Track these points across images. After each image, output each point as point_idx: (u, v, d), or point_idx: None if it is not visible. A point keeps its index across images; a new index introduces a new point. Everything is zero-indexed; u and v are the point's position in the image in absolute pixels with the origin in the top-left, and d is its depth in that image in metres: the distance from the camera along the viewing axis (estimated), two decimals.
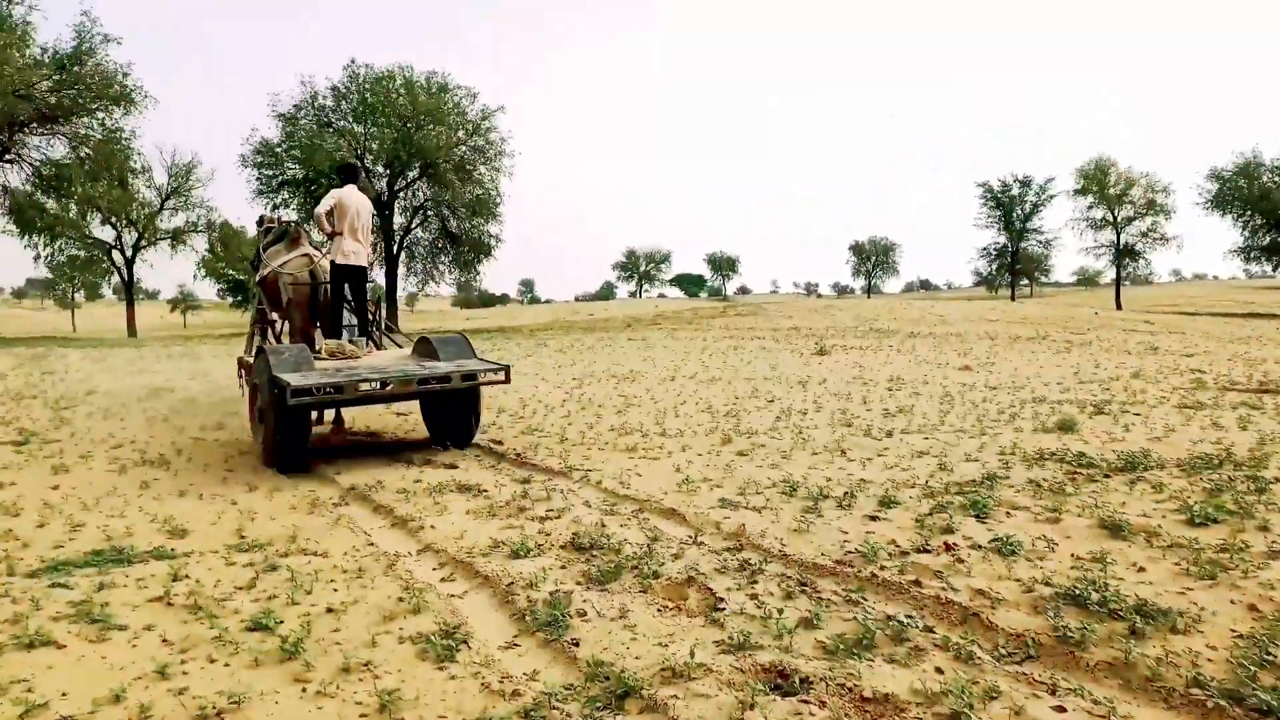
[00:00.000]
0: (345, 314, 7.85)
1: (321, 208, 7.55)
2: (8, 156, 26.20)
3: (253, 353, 8.08)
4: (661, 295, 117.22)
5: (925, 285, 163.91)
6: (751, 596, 3.27)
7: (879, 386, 10.29)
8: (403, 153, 32.62)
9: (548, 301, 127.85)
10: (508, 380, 7.00)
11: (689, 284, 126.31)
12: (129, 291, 39.26)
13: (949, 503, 4.49)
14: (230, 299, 48.15)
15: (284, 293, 7.92)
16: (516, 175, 47.33)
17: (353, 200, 7.54)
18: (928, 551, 3.71)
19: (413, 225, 36.75)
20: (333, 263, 7.60)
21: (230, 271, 45.59)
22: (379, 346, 8.03)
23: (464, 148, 34.51)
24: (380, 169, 34.91)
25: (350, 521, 4.76)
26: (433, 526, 4.49)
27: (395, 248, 36.09)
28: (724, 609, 3.15)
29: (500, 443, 7.12)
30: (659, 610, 3.17)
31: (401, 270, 37.09)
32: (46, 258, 30.80)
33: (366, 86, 33.55)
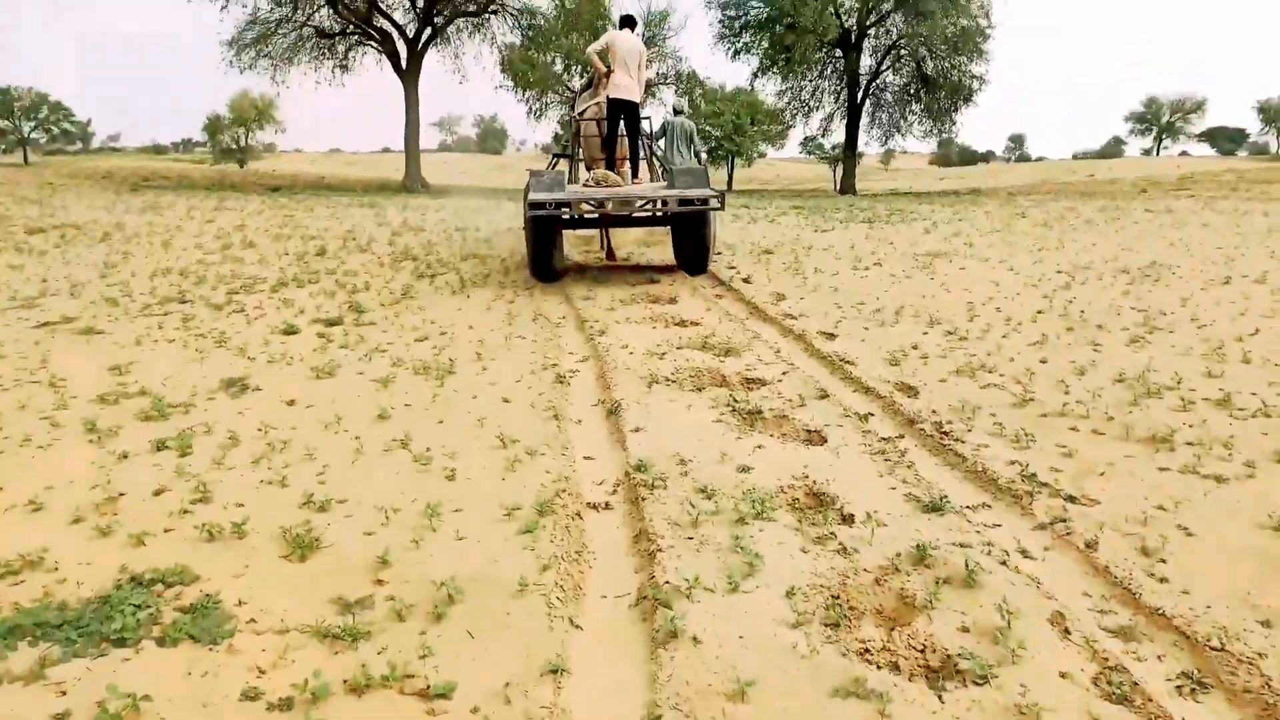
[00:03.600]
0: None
1: (594, 47, 8.71)
2: (492, 7, 28.71)
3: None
4: (1184, 153, 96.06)
5: None
6: None
7: None
8: None
9: (1039, 159, 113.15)
10: (721, 207, 7.91)
11: (1224, 140, 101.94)
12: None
13: None
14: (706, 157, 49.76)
15: (582, 129, 9.28)
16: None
17: (624, 41, 8.55)
18: None
19: (882, 68, 33.36)
20: (607, 97, 8.58)
21: (706, 128, 46.64)
22: (653, 177, 9.22)
23: None
24: (850, 2, 31.88)
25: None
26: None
27: (860, 94, 33.25)
28: None
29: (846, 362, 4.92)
30: None
31: (864, 122, 34.26)
32: (535, 112, 34.16)
33: None
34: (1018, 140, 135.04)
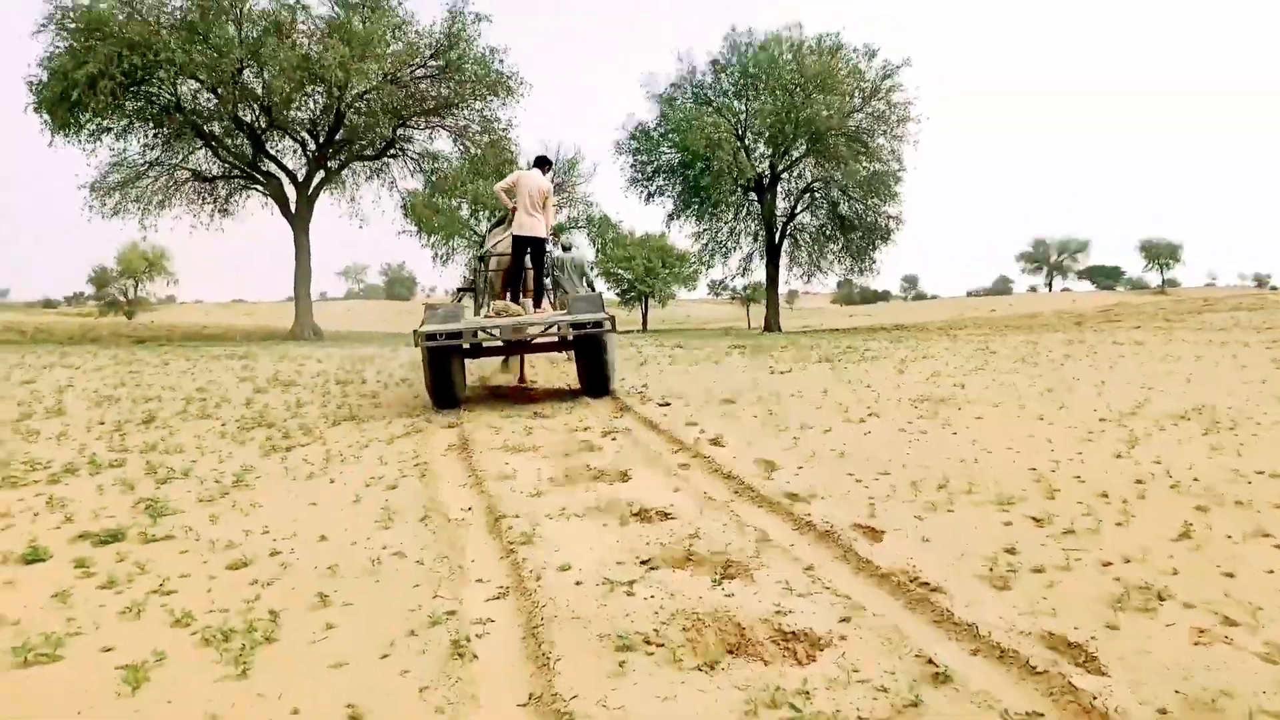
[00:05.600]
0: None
1: (501, 184, 9.40)
2: (391, 151, 27.44)
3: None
4: (1066, 290, 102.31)
5: None
6: None
7: None
8: (787, 127, 29.37)
9: (933, 297, 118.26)
10: (613, 329, 8.22)
11: (1102, 276, 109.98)
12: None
13: None
14: (619, 299, 48.87)
15: (489, 263, 9.88)
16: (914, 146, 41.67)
17: (529, 180, 9.02)
18: None
19: (797, 210, 33.42)
20: (513, 235, 9.07)
21: (619, 271, 46.07)
22: (554, 308, 9.32)
23: (860, 115, 30.27)
24: (761, 148, 32.07)
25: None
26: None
27: (777, 236, 33.04)
28: None
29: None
30: None
31: (784, 261, 33.96)
32: (442, 257, 32.66)
33: (748, 56, 30.89)
34: (911, 280, 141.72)
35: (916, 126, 32.70)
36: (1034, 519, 4.25)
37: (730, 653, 2.81)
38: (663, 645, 2.84)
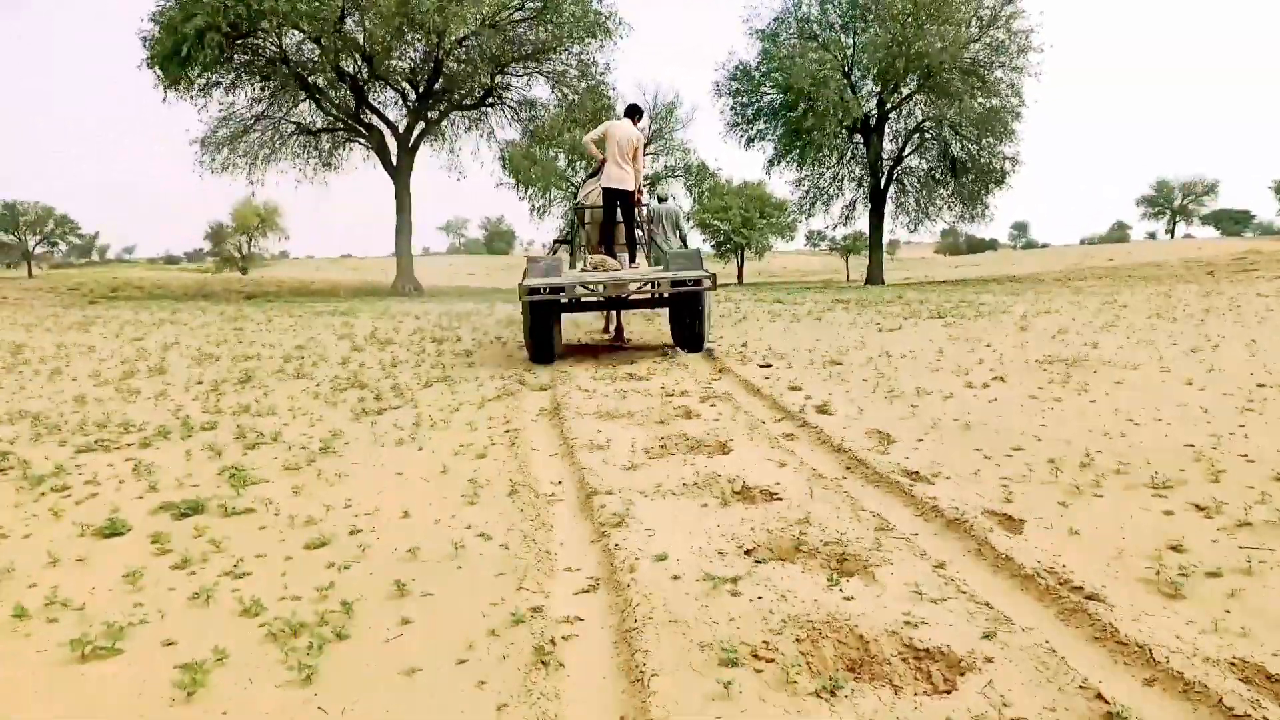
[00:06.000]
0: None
1: (590, 135, 9.27)
2: (489, 100, 27.26)
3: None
4: (1189, 236, 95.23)
5: None
6: None
7: None
8: (898, 61, 27.78)
9: (1044, 246, 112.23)
10: (714, 287, 8.26)
11: (1229, 222, 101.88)
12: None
13: None
14: (715, 251, 47.95)
15: (584, 215, 9.81)
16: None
17: (619, 130, 8.90)
18: None
19: (905, 153, 31.81)
20: (602, 187, 8.99)
21: (715, 221, 45.15)
22: (648, 262, 9.42)
23: (976, 45, 28.36)
24: (870, 86, 30.54)
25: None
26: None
27: (883, 181, 31.59)
28: None
29: None
30: None
31: (890, 208, 32.50)
32: (539, 210, 32.56)
33: None
34: (1021, 228, 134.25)
35: (1039, 56, 30.57)
36: (1198, 507, 3.68)
37: (852, 672, 2.43)
38: (773, 661, 2.48)
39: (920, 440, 4.92)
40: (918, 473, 4.29)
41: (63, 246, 77.21)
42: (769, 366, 7.62)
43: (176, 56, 21.24)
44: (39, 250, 71.23)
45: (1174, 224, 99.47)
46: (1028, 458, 4.49)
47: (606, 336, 10.66)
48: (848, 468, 4.53)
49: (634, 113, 9.31)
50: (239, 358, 9.06)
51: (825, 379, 6.84)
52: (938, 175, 32.01)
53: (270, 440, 5.35)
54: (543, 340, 8.28)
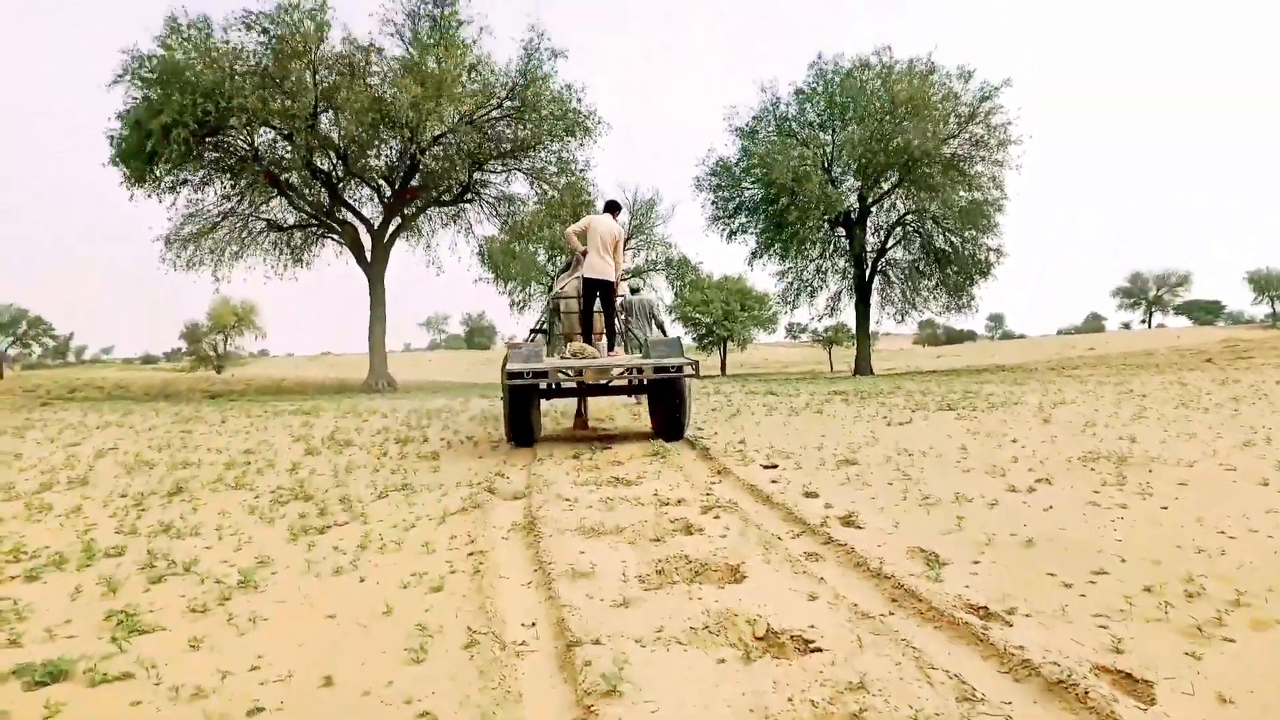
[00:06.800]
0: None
1: (572, 227, 9.37)
2: (467, 196, 26.95)
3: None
4: (1162, 326, 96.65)
5: None
6: None
7: None
8: (878, 156, 27.94)
9: (1021, 336, 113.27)
10: (696, 374, 8.25)
11: (1200, 311, 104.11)
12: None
13: None
14: (697, 343, 47.65)
15: (560, 306, 9.89)
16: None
17: (601, 224, 9.16)
18: None
19: (888, 245, 31.79)
20: (583, 277, 9.14)
21: (696, 315, 44.94)
22: (626, 351, 9.43)
23: (956, 140, 28.60)
24: (850, 180, 30.66)
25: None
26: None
27: (868, 272, 31.43)
28: None
29: None
30: None
31: (875, 299, 32.27)
32: (519, 304, 32.07)
33: (835, 84, 29.67)
34: (997, 319, 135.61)
35: (1019, 149, 30.96)
36: None
37: None
38: None
39: (976, 562, 4.04)
40: (987, 609, 3.40)
41: (36, 348, 76.13)
42: (774, 467, 6.75)
43: (142, 153, 20.79)
44: (12, 352, 70.11)
45: (1150, 314, 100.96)
46: (1117, 585, 3.62)
47: (579, 430, 10.38)
48: (894, 599, 3.64)
49: (613, 208, 9.56)
50: (176, 464, 8.07)
51: (843, 483, 5.97)
52: (921, 266, 31.95)
53: (182, 571, 4.38)
54: (522, 424, 8.52)
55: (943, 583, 3.74)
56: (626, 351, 9.42)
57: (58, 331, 78.73)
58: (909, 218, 31.14)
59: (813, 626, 3.27)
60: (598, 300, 9.19)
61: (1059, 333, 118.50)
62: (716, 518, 5.11)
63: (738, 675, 2.89)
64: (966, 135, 28.92)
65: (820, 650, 3.06)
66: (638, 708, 2.66)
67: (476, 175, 26.05)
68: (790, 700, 2.67)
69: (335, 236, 26.46)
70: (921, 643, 3.12)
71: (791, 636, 3.20)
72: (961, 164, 28.88)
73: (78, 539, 5.16)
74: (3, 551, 4.85)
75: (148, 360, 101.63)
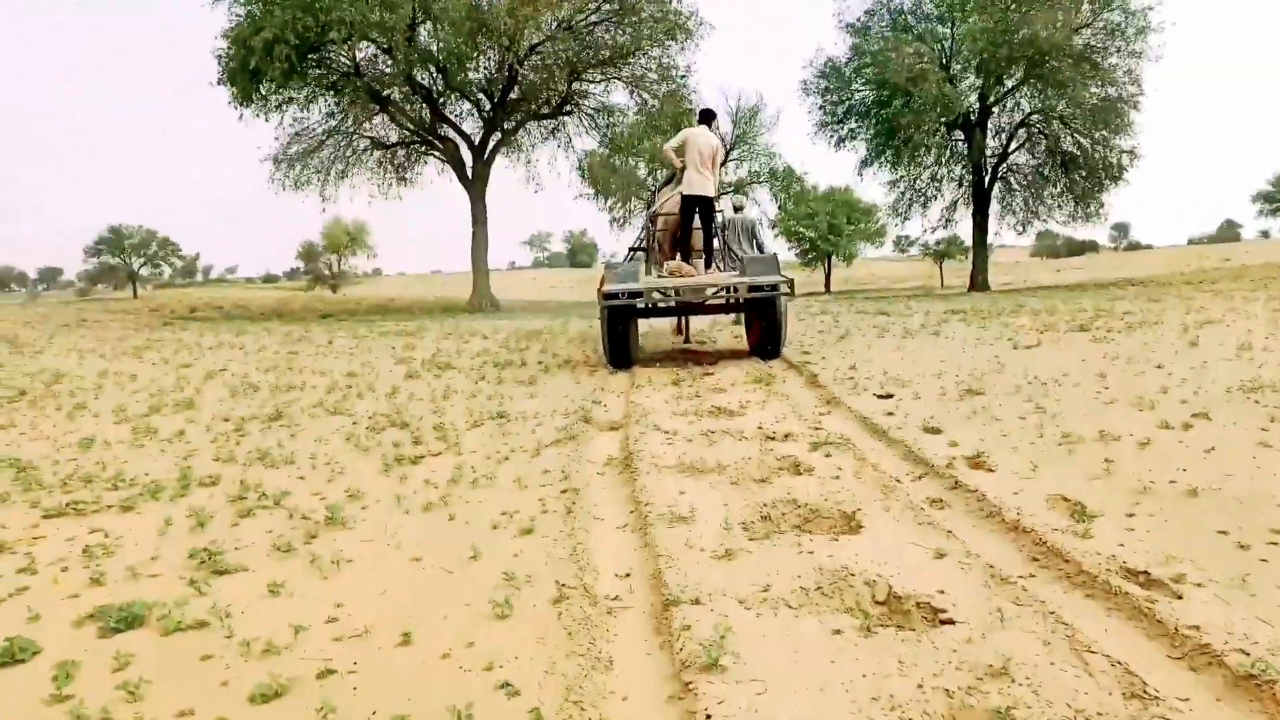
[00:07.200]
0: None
1: (669, 143, 9.08)
2: (566, 108, 26.35)
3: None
4: None
5: None
6: None
7: None
8: (1001, 50, 25.78)
9: (1149, 247, 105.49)
10: (791, 293, 8.35)
11: None
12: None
13: None
14: (799, 259, 46.26)
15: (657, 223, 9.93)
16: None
17: (698, 138, 8.82)
18: None
19: (1010, 149, 29.66)
20: (681, 194, 8.97)
21: (800, 230, 43.52)
22: (724, 269, 9.17)
23: (1088, 30, 26.11)
24: (970, 79, 28.58)
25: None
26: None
27: (987, 179, 29.52)
28: None
29: None
30: None
31: (994, 209, 30.38)
32: (619, 220, 31.60)
33: None
34: (1121, 228, 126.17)
35: (1159, 38, 28.11)
36: None
37: None
38: None
39: (1131, 515, 3.53)
40: (1148, 574, 2.93)
41: (166, 269, 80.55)
42: (889, 397, 6.26)
43: (247, 71, 20.98)
44: (144, 272, 74.35)
45: None
46: None
47: (679, 339, 11.21)
48: (1035, 559, 3.20)
49: (708, 117, 9.30)
50: (279, 388, 8.17)
51: (968, 416, 5.45)
52: (1046, 172, 29.75)
53: (271, 504, 4.31)
54: (620, 346, 8.51)
55: (1093, 540, 3.27)
56: (725, 269, 9.24)
57: (185, 252, 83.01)
58: (1034, 118, 28.85)
59: (942, 592, 2.88)
60: (696, 217, 9.04)
61: (1189, 242, 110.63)
62: (827, 456, 4.71)
63: (857, 650, 2.55)
64: (1101, 23, 26.34)
65: (952, 622, 2.68)
66: (741, 688, 2.35)
67: (575, 85, 25.42)
68: (920, 686, 2.31)
69: (437, 154, 26.46)
70: (1072, 616, 2.69)
71: (917, 603, 2.82)
72: (1095, 56, 26.38)
73: (176, 466, 5.19)
74: (104, 479, 4.91)
75: (268, 280, 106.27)
